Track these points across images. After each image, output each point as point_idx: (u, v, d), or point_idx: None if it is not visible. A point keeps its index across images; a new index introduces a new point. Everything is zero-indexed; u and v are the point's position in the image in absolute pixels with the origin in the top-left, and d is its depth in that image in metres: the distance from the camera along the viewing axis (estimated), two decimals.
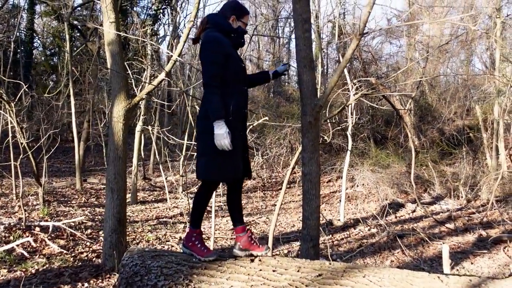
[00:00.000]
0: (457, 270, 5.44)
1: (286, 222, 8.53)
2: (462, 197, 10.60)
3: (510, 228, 7.63)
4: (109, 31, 5.35)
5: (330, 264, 3.09)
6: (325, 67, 19.89)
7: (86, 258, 5.47)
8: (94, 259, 5.43)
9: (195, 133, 3.28)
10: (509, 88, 14.44)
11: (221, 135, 2.59)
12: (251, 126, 11.43)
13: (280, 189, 7.86)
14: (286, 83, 25.65)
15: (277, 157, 13.69)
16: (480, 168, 12.28)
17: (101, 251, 5.44)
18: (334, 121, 10.20)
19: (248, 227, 3.07)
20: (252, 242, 3.01)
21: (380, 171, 11.72)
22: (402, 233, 7.30)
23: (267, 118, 10.62)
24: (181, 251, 3.01)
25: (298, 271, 2.92)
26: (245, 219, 8.61)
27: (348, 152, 8.83)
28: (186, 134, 11.38)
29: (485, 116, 14.44)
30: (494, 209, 8.98)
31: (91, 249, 5.81)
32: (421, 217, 8.83)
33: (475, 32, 17.57)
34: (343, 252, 6.39)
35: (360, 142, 13.86)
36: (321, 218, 8.08)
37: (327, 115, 8.60)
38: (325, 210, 9.62)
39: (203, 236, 3.33)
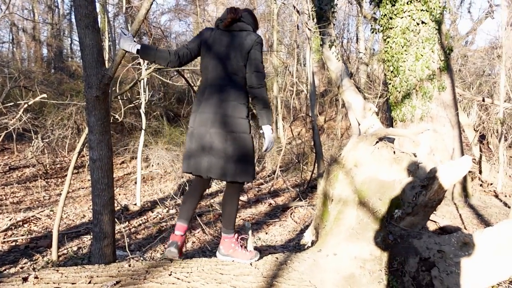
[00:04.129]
0: (255, 242, 5.63)
1: (75, 213, 7.53)
2: None
3: (293, 195, 8.45)
4: None
5: (129, 265, 2.61)
6: (113, 42, 18.49)
7: None
8: None
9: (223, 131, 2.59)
10: (284, 68, 16.16)
11: (273, 138, 2.66)
12: (25, 105, 9.70)
13: (67, 175, 6.82)
14: (70, 58, 23.04)
15: (61, 140, 12.13)
16: None
17: None
18: (125, 98, 9.47)
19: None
20: (236, 247, 2.78)
21: (175, 149, 11.57)
22: (201, 211, 7.26)
23: (45, 95, 9.15)
24: None
25: (89, 282, 2.35)
26: (24, 214, 7.28)
27: (143, 131, 8.30)
28: None
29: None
30: (279, 178, 9.85)
31: None
32: (216, 192, 9.02)
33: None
34: (141, 239, 5.92)
35: (153, 121, 13.43)
36: (115, 204, 7.40)
37: (117, 92, 7.83)
38: (119, 194, 8.92)
39: None
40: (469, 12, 32.95)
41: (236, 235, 2.82)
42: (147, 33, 14.81)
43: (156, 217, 7.24)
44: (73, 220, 7.06)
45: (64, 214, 7.29)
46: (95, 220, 3.00)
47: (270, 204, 8.01)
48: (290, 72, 15.32)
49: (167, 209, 7.63)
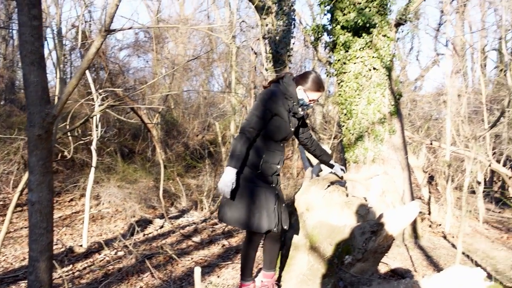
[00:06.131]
0: (206, 286, 5.43)
1: (15, 255, 7.04)
2: (205, 208, 11.12)
3: None
4: None
5: None
6: (68, 75, 18.04)
7: None
8: None
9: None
10: (242, 107, 16.33)
11: (228, 181, 2.56)
12: None
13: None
14: (22, 90, 22.25)
15: (6, 176, 11.48)
16: None
17: None
18: (76, 134, 9.17)
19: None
20: None
21: (128, 187, 11.23)
22: (151, 253, 6.97)
23: None
24: None
25: None
26: None
27: (93, 169, 8.00)
28: None
29: (223, 131, 15.83)
30: None
31: None
32: (169, 233, 8.74)
33: (213, 55, 19.24)
34: (85, 285, 5.57)
35: (106, 157, 13.03)
36: (60, 246, 7.00)
37: (67, 127, 7.57)
38: (65, 235, 8.45)
39: None
40: (417, 59, 34.99)
41: (252, 283, 2.89)
42: (104, 68, 14.63)
43: (103, 259, 6.87)
44: (12, 264, 6.58)
45: (2, 256, 6.80)
46: (31, 268, 2.79)
47: (224, 245, 7.83)
48: (247, 111, 15.47)
49: (115, 251, 7.28)
